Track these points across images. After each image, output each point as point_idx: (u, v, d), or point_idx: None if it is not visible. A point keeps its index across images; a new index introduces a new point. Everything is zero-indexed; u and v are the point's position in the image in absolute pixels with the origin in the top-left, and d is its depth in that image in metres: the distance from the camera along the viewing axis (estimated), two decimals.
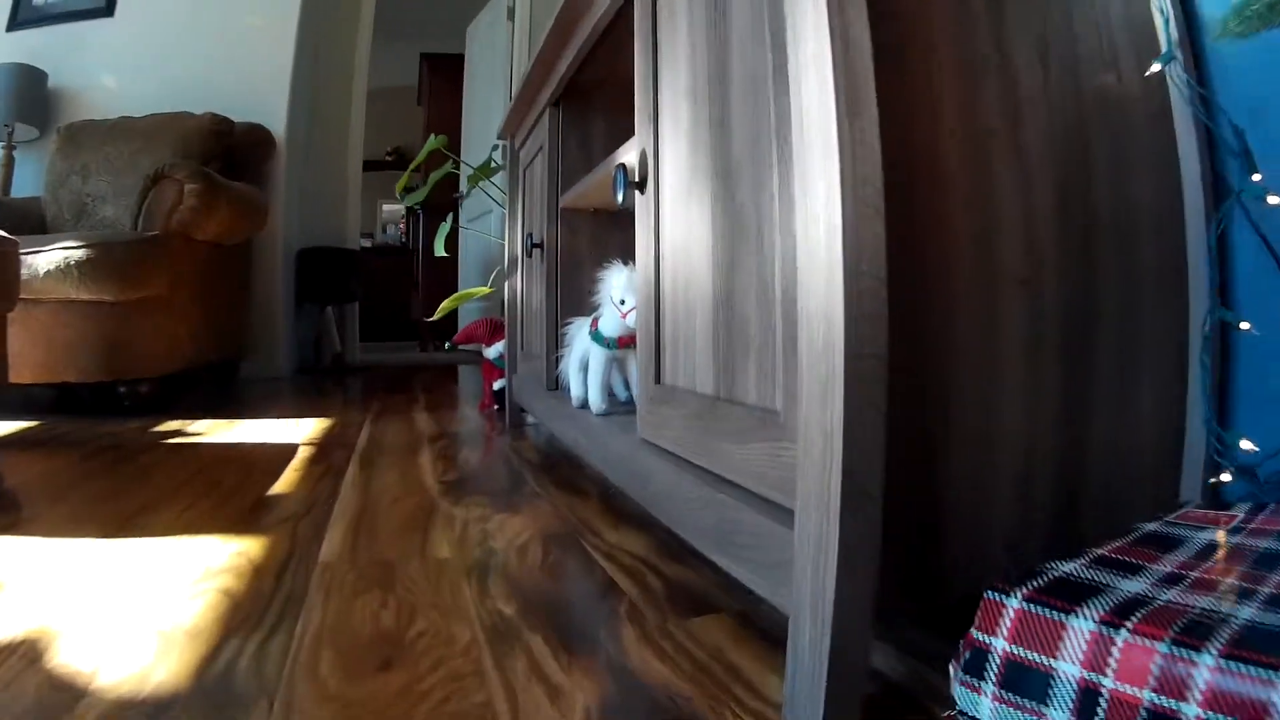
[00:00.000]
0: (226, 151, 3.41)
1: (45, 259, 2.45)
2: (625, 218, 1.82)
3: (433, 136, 2.72)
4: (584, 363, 1.46)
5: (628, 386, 1.50)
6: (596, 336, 1.38)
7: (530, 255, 1.90)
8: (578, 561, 1.09)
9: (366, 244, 7.32)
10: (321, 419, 2.52)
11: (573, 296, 1.78)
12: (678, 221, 0.96)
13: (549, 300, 1.79)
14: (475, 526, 1.26)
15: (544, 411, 1.77)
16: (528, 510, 1.37)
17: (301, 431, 2.26)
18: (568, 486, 1.57)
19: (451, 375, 4.26)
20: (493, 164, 2.78)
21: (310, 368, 4.52)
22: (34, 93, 3.89)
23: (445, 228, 2.72)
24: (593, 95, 1.79)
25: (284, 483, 1.58)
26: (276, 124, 3.96)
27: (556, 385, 1.78)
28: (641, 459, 1.03)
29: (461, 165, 2.88)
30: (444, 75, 6.46)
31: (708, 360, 0.87)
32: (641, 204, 1.07)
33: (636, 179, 1.07)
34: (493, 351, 2.66)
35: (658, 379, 1.03)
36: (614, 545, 1.17)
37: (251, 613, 0.91)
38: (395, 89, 7.63)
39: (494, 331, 2.68)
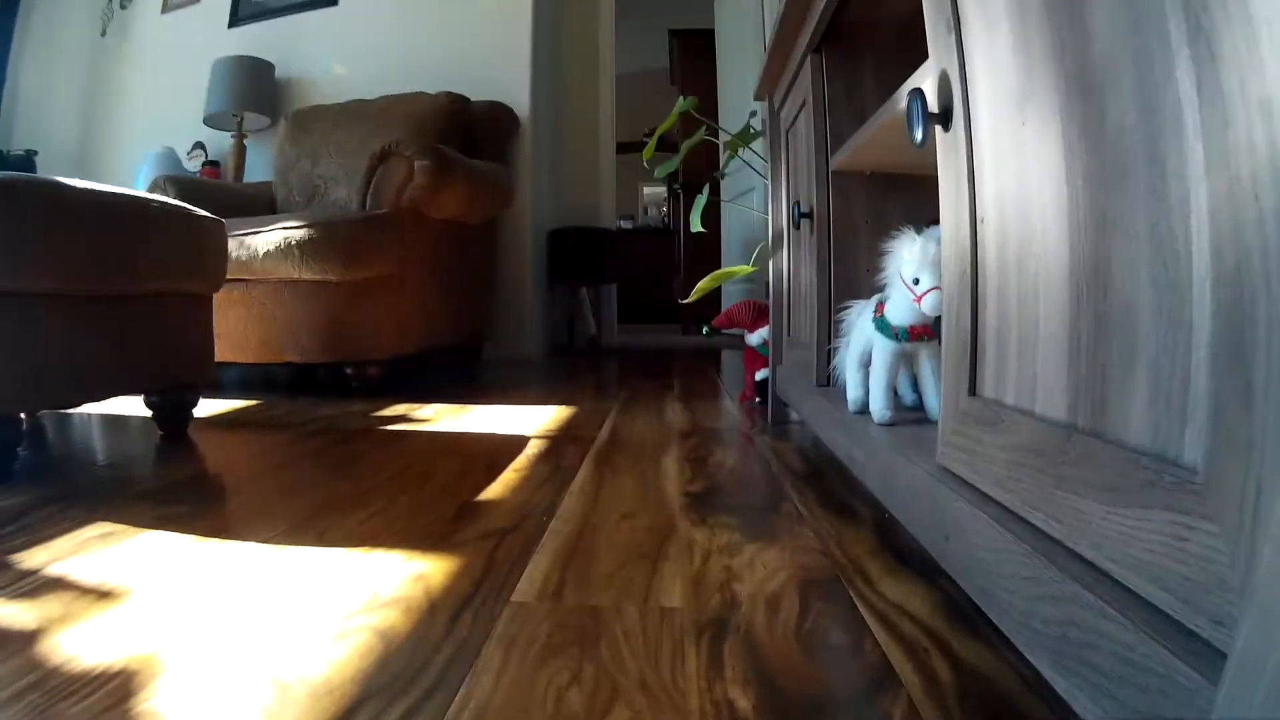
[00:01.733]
0: (465, 130, 3.42)
1: (264, 239, 2.49)
2: (906, 181, 1.53)
3: (681, 99, 2.52)
4: (865, 357, 1.20)
5: (915, 388, 1.22)
6: (881, 325, 1.11)
7: (798, 227, 1.64)
8: (843, 626, 0.83)
9: (627, 226, 7.41)
10: (563, 407, 2.42)
11: (846, 276, 1.53)
12: (1004, 163, 0.67)
13: (819, 280, 1.54)
14: (718, 560, 1.03)
15: (811, 411, 1.52)
16: (785, 540, 1.13)
17: (537, 421, 2.15)
18: (834, 507, 1.31)
19: (712, 361, 4.09)
20: (751, 131, 2.54)
21: (563, 350, 4.49)
22: (262, 83, 4.13)
23: (701, 200, 2.52)
24: (858, 38, 1.53)
25: (500, 485, 1.44)
26: (519, 102, 3.96)
27: (828, 381, 1.52)
28: (941, 499, 0.76)
29: (719, 132, 2.64)
30: (695, 51, 6.35)
31: (1058, 369, 0.59)
32: (946, 144, 0.79)
33: (936, 109, 0.80)
34: (755, 338, 2.44)
35: (972, 389, 0.75)
36: (891, 602, 0.90)
37: (404, 670, 0.73)
38: (648, 72, 7.62)
39: (757, 316, 2.45)
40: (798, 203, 1.62)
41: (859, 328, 1.22)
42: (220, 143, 4.35)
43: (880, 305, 1.14)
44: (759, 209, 4.29)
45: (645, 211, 8.68)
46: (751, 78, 4.36)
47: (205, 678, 0.71)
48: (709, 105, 4.97)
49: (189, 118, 4.30)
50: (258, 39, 4.33)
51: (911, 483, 0.86)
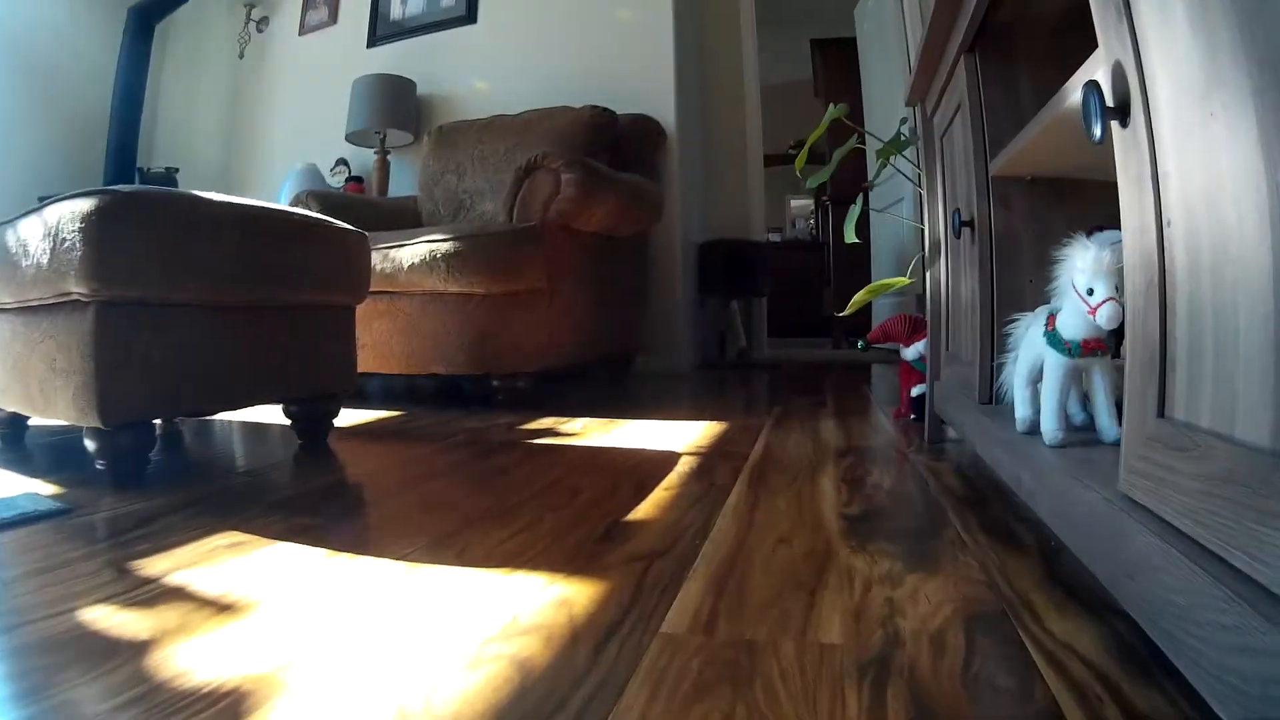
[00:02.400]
0: (611, 144, 3.43)
1: (409, 252, 2.56)
2: (1070, 186, 1.45)
3: (832, 105, 2.46)
4: (1034, 373, 1.13)
5: (1086, 406, 1.14)
6: (1053, 339, 1.04)
7: (958, 236, 1.57)
8: (1010, 666, 0.77)
9: (775, 239, 7.38)
10: (714, 422, 2.38)
11: (1009, 287, 1.45)
12: (1190, 160, 0.61)
13: (982, 291, 1.46)
14: (879, 591, 0.98)
15: (973, 429, 1.45)
16: (948, 569, 1.06)
17: (688, 436, 2.13)
18: (998, 533, 1.23)
19: (864, 376, 3.98)
20: (901, 138, 2.46)
21: (714, 364, 4.47)
22: (403, 100, 4.25)
23: (855, 210, 2.45)
24: (1013, 38, 1.45)
25: (650, 503, 1.42)
26: (664, 114, 3.95)
27: (992, 399, 1.45)
28: (1125, 531, 0.70)
29: (867, 138, 2.57)
30: (838, 61, 6.25)
31: (1262, 388, 0.52)
32: (1124, 141, 0.73)
33: (1111, 103, 0.74)
34: (911, 353, 2.35)
35: (1161, 410, 0.69)
36: (1059, 641, 0.82)
37: (541, 706, 0.69)
38: (792, 83, 7.53)
39: (913, 330, 2.36)
40: (957, 211, 1.55)
41: (1027, 342, 1.14)
42: (364, 159, 4.55)
43: (1051, 318, 1.06)
44: (909, 218, 4.20)
45: (793, 224, 8.59)
46: (897, 85, 4.28)
47: (325, 703, 0.69)
48: (855, 114, 4.90)
49: (331, 135, 4.53)
50: (398, 57, 4.50)
51: (1089, 511, 0.80)
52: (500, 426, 2.33)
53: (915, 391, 2.35)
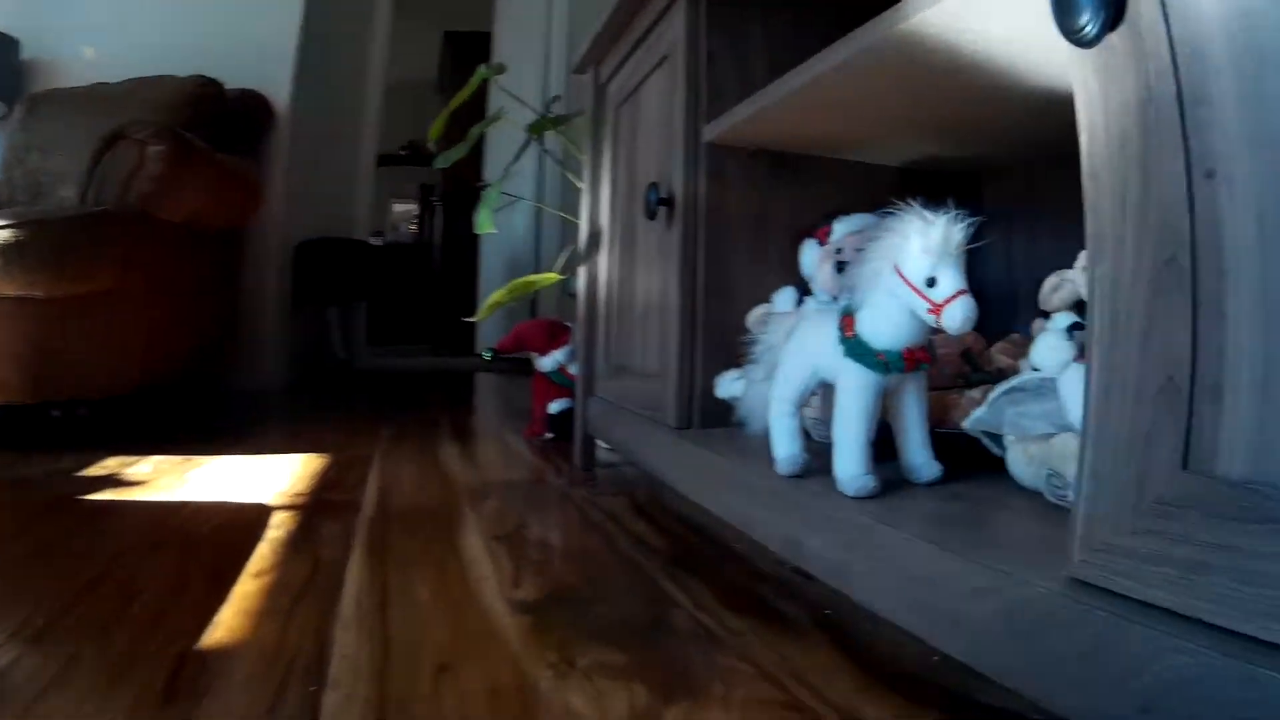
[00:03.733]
0: (215, 120, 2.85)
1: None
2: (802, 164, 1.21)
3: (482, 67, 2.05)
4: (805, 395, 0.84)
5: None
6: (856, 349, 0.75)
7: (652, 216, 1.23)
8: None
9: (377, 242, 6.89)
10: (314, 455, 1.85)
11: (717, 282, 1.17)
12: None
13: (683, 285, 1.16)
14: None
15: (670, 464, 1.13)
16: (715, 685, 0.71)
17: (283, 478, 1.59)
18: (749, 607, 0.92)
19: (472, 386, 3.62)
20: (549, 116, 2.12)
21: (311, 378, 3.88)
22: (4, 63, 3.42)
23: (492, 195, 2.05)
24: None
25: (235, 610, 0.90)
26: (278, 93, 3.43)
27: (692, 422, 1.14)
28: (1115, 640, 0.42)
29: (492, 97, 2.19)
30: (470, 55, 5.85)
31: None
32: (1122, 45, 0.42)
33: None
34: (549, 362, 2.02)
35: (1185, 460, 0.41)
36: None
37: None
38: (414, 81, 7.03)
39: (553, 336, 2.03)
40: (653, 186, 1.22)
41: (795, 353, 0.84)
42: None
43: (848, 320, 0.75)
44: (522, 235, 3.92)
45: (395, 228, 8.15)
46: (534, 79, 3.99)
47: None
48: (478, 111, 4.61)
49: None
50: (9, 14, 3.52)
51: (1023, 609, 0.49)
52: (59, 473, 1.63)
53: (554, 407, 2.02)
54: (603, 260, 1.60)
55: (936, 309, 0.67)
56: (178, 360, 2.49)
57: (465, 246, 5.21)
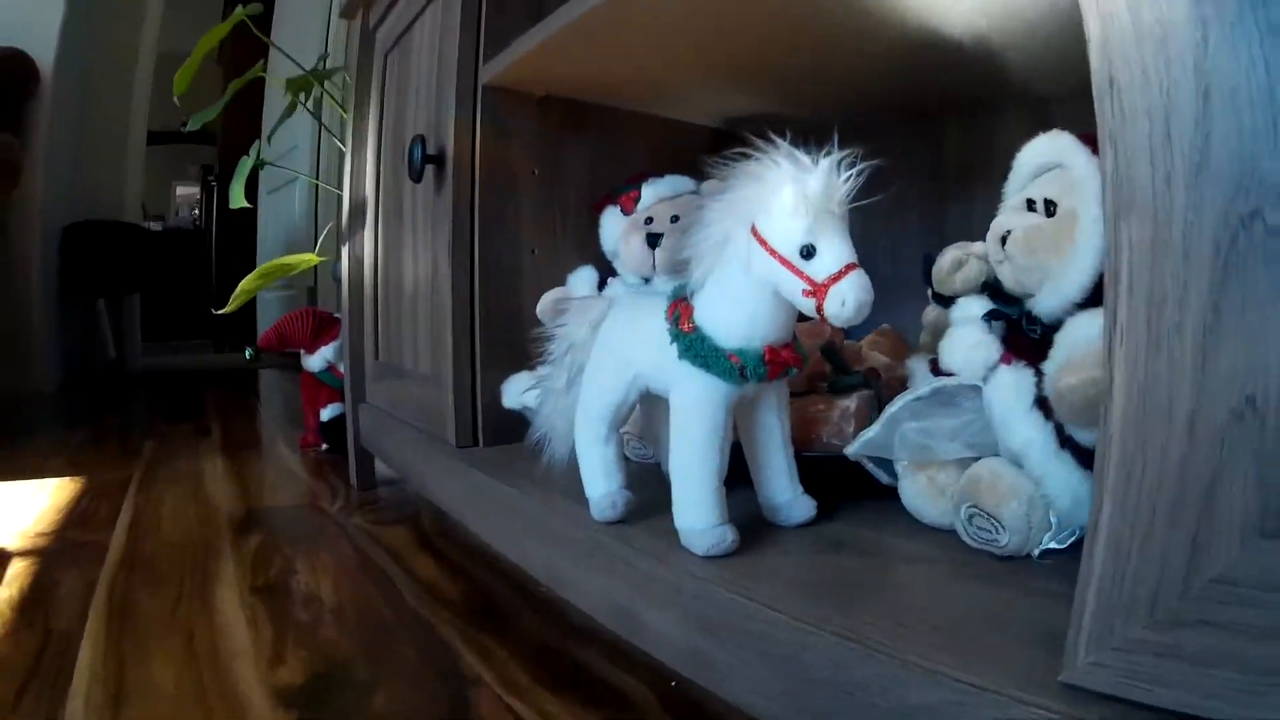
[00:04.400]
0: None
1: None
2: (598, 114, 1.00)
3: (240, 7, 1.70)
4: (624, 412, 0.62)
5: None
6: (697, 348, 0.53)
7: (418, 179, 0.97)
8: None
9: (156, 228, 6.30)
10: (66, 479, 1.52)
11: (499, 257, 0.93)
12: None
13: (456, 264, 0.91)
14: None
15: (457, 496, 0.88)
16: None
17: (26, 512, 1.29)
18: (571, 679, 0.72)
19: (252, 385, 3.25)
20: (322, 68, 1.81)
21: (79, 379, 3.38)
22: None
23: (247, 164, 1.72)
24: None
25: None
26: (43, 55, 2.97)
27: (478, 439, 0.90)
28: None
29: (271, 61, 1.86)
30: (252, 23, 5.31)
31: None
32: None
33: None
34: (317, 361, 1.71)
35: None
36: None
37: None
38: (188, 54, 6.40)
39: (320, 329, 1.72)
40: (419, 140, 0.95)
41: (604, 355, 0.62)
42: None
43: (683, 308, 0.53)
44: (299, 213, 3.55)
45: (177, 213, 7.48)
46: (314, 49, 3.59)
47: None
48: (257, 91, 4.19)
49: None
50: None
51: None
52: None
53: (326, 414, 1.72)
54: (367, 237, 1.32)
55: (817, 290, 0.46)
56: None
57: (244, 231, 4.75)
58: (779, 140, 0.50)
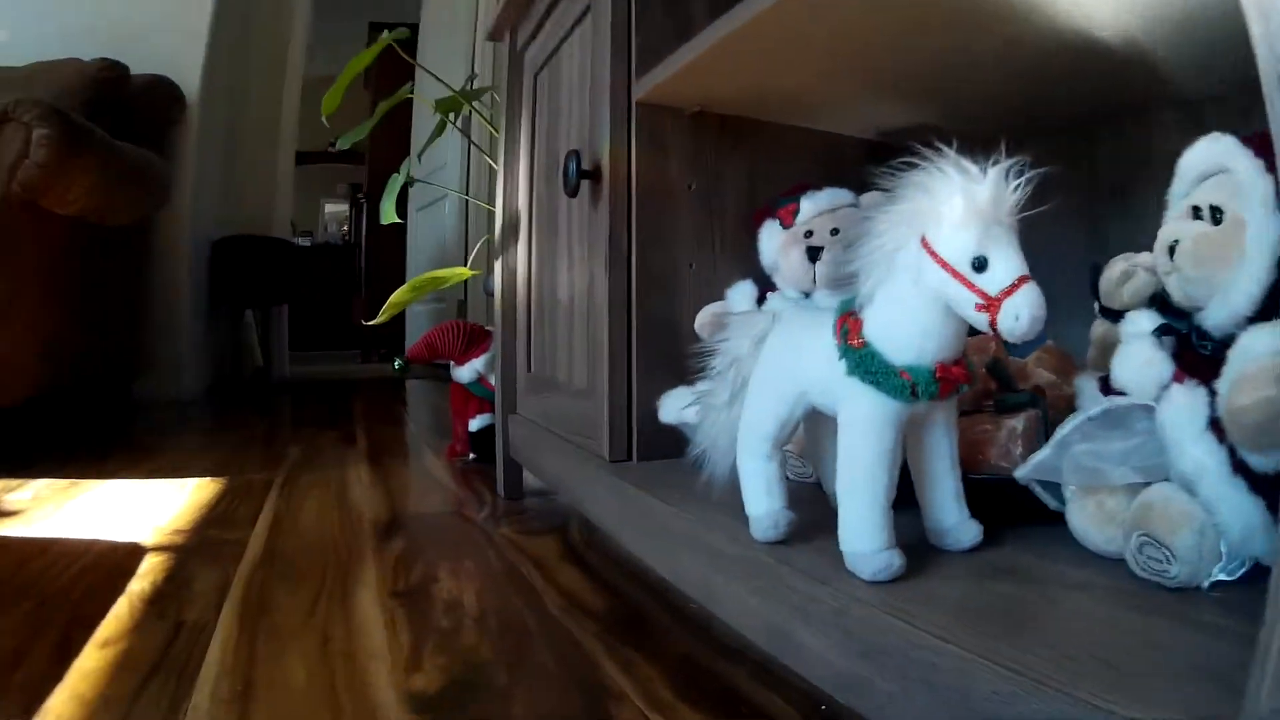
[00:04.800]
0: (119, 106, 2.60)
1: None
2: (752, 128, 0.98)
3: (386, 32, 1.78)
4: (789, 428, 0.61)
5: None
6: (866, 364, 0.52)
7: (573, 194, 0.99)
8: None
9: (305, 243, 6.65)
10: (210, 479, 1.62)
11: (657, 271, 0.93)
12: None
13: (614, 278, 0.92)
14: None
15: (610, 510, 0.90)
16: None
17: (168, 508, 1.37)
18: (717, 698, 0.70)
19: (399, 395, 3.36)
20: (471, 88, 1.87)
21: (228, 386, 3.59)
22: None
23: (397, 181, 1.80)
24: None
25: (69, 692, 0.71)
26: (188, 81, 3.16)
27: (632, 454, 0.91)
28: None
29: (418, 83, 1.94)
30: (397, 47, 5.53)
31: None
32: None
33: None
34: (467, 373, 1.77)
35: None
36: None
37: None
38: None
39: (469, 342, 1.77)
40: (574, 156, 0.97)
41: (771, 369, 0.61)
42: None
43: (852, 323, 0.52)
44: (450, 226, 3.66)
45: (325, 229, 7.87)
46: (461, 65, 3.72)
47: None
48: (405, 112, 4.37)
49: None
50: None
51: None
52: None
53: (475, 424, 1.77)
54: (520, 251, 1.36)
55: (990, 304, 0.45)
56: (77, 367, 2.25)
57: (393, 245, 4.95)
58: (945, 149, 0.49)
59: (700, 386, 0.69)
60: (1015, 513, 0.61)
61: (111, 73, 2.61)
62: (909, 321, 0.50)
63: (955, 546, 0.56)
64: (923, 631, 0.43)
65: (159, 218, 2.92)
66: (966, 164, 0.47)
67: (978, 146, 0.48)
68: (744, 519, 0.61)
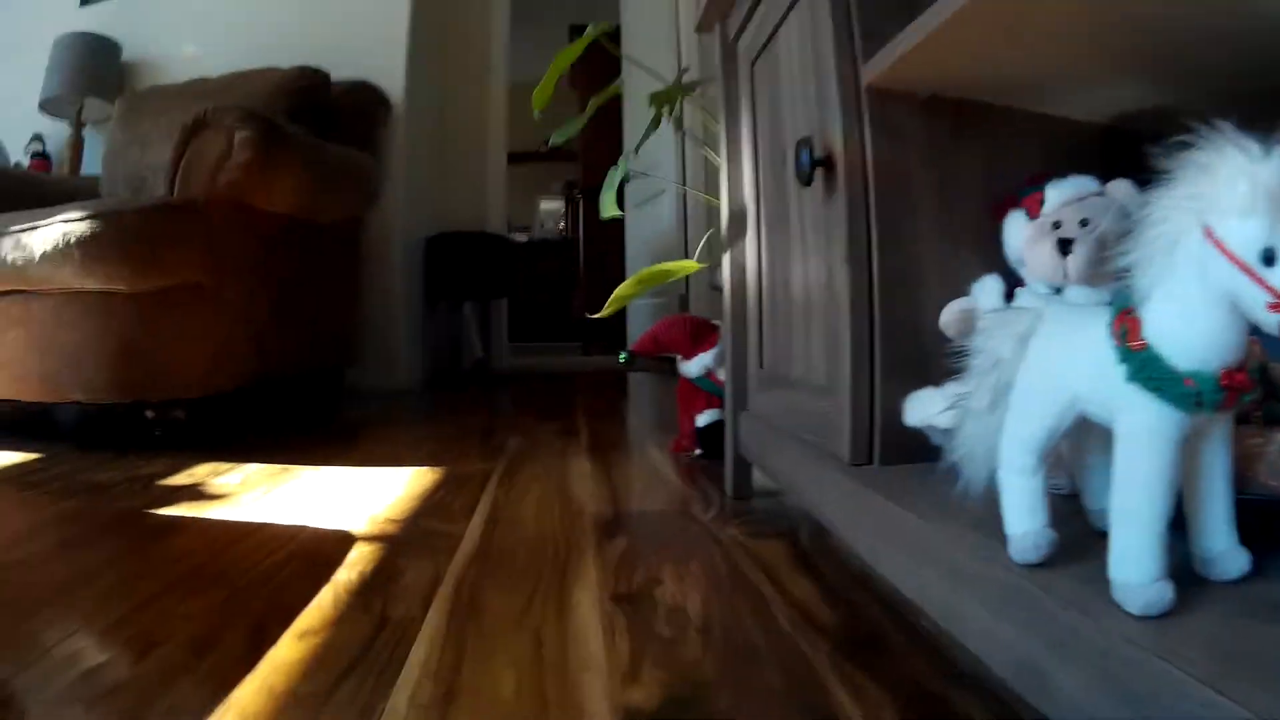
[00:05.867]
0: (322, 112, 2.81)
1: (42, 237, 1.84)
2: (982, 114, 0.92)
3: (591, 25, 1.83)
4: (1056, 438, 0.57)
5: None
6: (1148, 369, 0.48)
7: (807, 183, 0.98)
8: None
9: (522, 239, 6.99)
10: (425, 469, 1.72)
11: (897, 264, 0.90)
12: None
13: (854, 271, 0.90)
14: None
15: (845, 514, 0.88)
16: None
17: (381, 497, 1.46)
18: None
19: (621, 388, 3.44)
20: (683, 84, 1.88)
21: (445, 377, 3.79)
22: (105, 65, 3.57)
23: (616, 175, 1.84)
24: None
25: (260, 683, 0.73)
26: (392, 85, 3.40)
27: (872, 457, 0.89)
28: None
29: (626, 81, 1.97)
30: (599, 48, 5.64)
31: None
32: None
33: None
34: (695, 367, 1.79)
35: None
36: None
37: None
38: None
39: (697, 337, 1.79)
40: (805, 144, 0.96)
41: (1038, 373, 0.58)
42: (63, 134, 3.69)
43: (1130, 322, 0.49)
44: (667, 222, 3.70)
45: (542, 225, 8.22)
46: (668, 68, 3.77)
47: None
48: (614, 108, 4.46)
49: (25, 106, 3.62)
50: (109, 16, 3.67)
51: None
52: (141, 479, 1.62)
53: (702, 420, 1.79)
54: (749, 245, 1.36)
55: None
56: (291, 356, 2.45)
57: (610, 240, 5.08)
58: (1222, 125, 0.44)
59: (953, 389, 0.66)
60: (1273, 536, 0.55)
61: (311, 79, 2.81)
62: (1193, 322, 0.46)
63: (1221, 577, 0.51)
64: (1195, 680, 0.39)
65: (371, 216, 3.11)
66: (1247, 141, 0.42)
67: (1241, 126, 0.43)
68: (997, 535, 0.58)
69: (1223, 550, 0.51)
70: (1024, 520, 0.56)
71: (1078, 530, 0.58)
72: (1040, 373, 0.56)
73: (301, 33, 3.40)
